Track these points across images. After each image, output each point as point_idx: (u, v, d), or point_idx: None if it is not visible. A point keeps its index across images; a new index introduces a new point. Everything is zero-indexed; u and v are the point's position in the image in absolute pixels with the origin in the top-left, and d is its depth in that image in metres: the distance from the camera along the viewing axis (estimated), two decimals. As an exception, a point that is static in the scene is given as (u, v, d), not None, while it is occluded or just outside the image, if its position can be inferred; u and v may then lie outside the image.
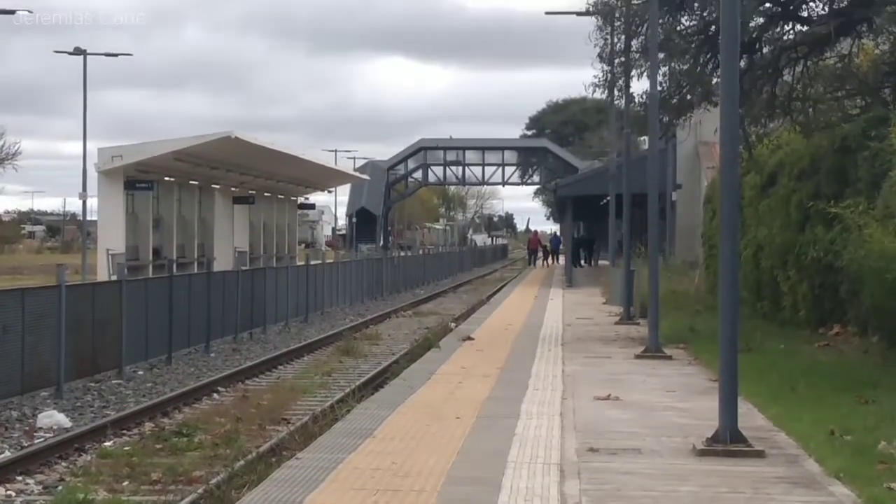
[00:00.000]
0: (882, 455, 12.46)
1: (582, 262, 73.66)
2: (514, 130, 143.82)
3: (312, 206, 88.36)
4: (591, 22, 31.56)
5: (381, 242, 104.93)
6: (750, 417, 14.69)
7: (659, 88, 25.36)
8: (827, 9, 26.64)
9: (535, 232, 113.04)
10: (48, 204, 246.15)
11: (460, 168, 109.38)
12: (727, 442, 12.70)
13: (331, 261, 48.50)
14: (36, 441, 17.33)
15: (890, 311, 20.04)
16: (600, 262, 71.77)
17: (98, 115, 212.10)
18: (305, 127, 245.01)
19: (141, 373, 25.14)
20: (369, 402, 17.12)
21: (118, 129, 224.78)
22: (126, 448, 16.81)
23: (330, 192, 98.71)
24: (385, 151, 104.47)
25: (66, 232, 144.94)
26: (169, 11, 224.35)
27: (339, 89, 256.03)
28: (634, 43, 29.17)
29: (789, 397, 16.69)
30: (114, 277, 29.57)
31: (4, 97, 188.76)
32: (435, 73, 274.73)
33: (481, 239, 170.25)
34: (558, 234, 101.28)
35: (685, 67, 27.74)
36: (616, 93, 36.78)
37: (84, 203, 65.87)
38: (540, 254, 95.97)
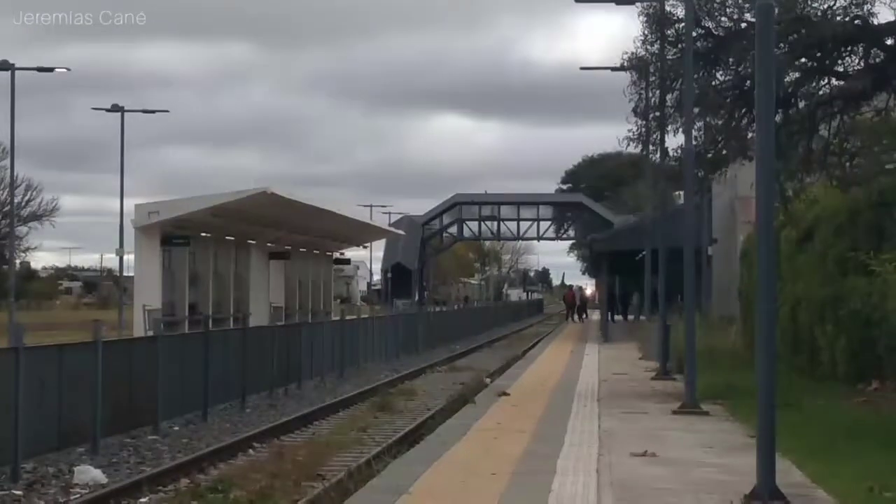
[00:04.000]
0: (922, 512, 12.33)
1: (615, 316, 73.53)
2: (554, 185, 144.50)
3: (348, 262, 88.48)
4: (626, 77, 31.61)
5: (417, 297, 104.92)
6: (788, 474, 14.57)
7: (694, 143, 25.34)
8: (862, 63, 26.62)
9: (571, 287, 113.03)
10: (86, 260, 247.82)
11: (495, 223, 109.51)
12: (765, 499, 12.58)
13: (366, 316, 48.50)
14: (72, 497, 17.35)
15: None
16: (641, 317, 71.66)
17: (150, 172, 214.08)
18: (357, 183, 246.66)
19: (177, 428, 25.14)
20: (405, 458, 17.06)
21: (169, 185, 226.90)
22: (162, 504, 16.80)
23: (365, 247, 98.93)
24: (430, 206, 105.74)
25: (103, 288, 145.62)
26: (236, 71, 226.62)
27: (392, 146, 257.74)
28: (669, 97, 29.21)
29: (828, 454, 16.55)
30: (150, 333, 29.63)
31: (53, 154, 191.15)
32: (489, 129, 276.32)
33: (516, 294, 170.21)
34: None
35: (720, 122, 27.74)
36: (651, 147, 36.84)
37: (121, 259, 66.30)
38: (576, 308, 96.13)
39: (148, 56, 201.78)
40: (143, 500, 17.22)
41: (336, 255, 75.78)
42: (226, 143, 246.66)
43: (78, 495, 17.43)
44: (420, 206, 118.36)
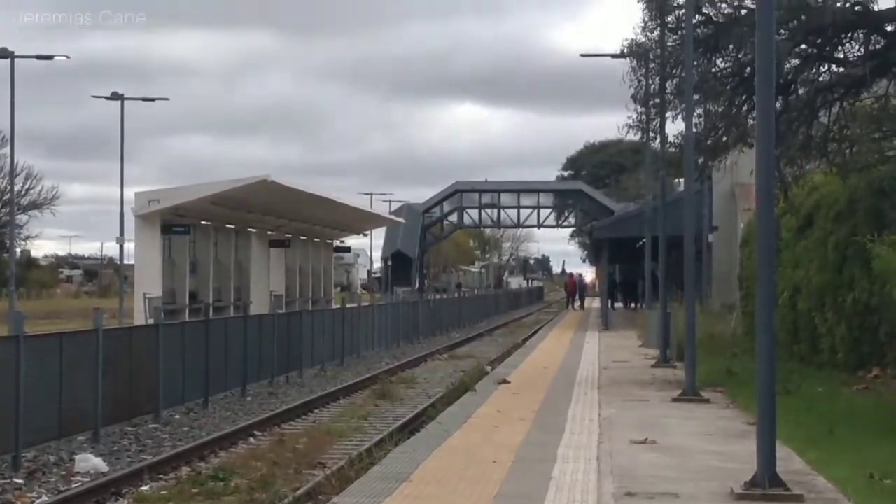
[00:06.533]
0: (922, 499, 12.34)
1: (615, 305, 73.64)
2: (555, 172, 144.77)
3: (348, 250, 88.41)
4: (627, 64, 31.58)
5: (417, 285, 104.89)
6: (788, 461, 14.59)
7: (694, 129, 25.32)
8: (863, 50, 26.57)
9: (571, 275, 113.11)
10: (87, 248, 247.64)
11: (496, 211, 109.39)
12: (765, 486, 12.61)
13: (366, 304, 48.52)
14: (73, 486, 17.37)
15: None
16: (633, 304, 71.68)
17: (161, 161, 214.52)
18: (366, 172, 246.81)
19: (177, 416, 25.17)
20: (405, 446, 17.08)
21: (180, 174, 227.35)
22: (163, 492, 16.82)
23: (365, 234, 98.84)
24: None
25: (104, 276, 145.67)
26: (254, 60, 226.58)
27: (405, 135, 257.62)
28: (669, 84, 29.19)
29: (828, 441, 16.58)
30: (151, 321, 29.62)
31: (63, 144, 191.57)
32: (502, 117, 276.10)
33: (517, 281, 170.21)
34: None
35: (720, 109, 27.71)
36: (651, 134, 36.81)
37: (121, 247, 66.29)
38: (577, 296, 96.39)
39: (167, 46, 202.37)
40: (144, 488, 17.24)
41: (336, 242, 75.73)
42: (240, 132, 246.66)
43: (79, 483, 17.46)
44: (425, 195, 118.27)
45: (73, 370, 20.76)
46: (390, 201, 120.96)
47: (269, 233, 58.54)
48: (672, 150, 31.43)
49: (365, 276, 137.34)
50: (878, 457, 15.03)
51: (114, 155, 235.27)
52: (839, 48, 27.20)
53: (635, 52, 30.51)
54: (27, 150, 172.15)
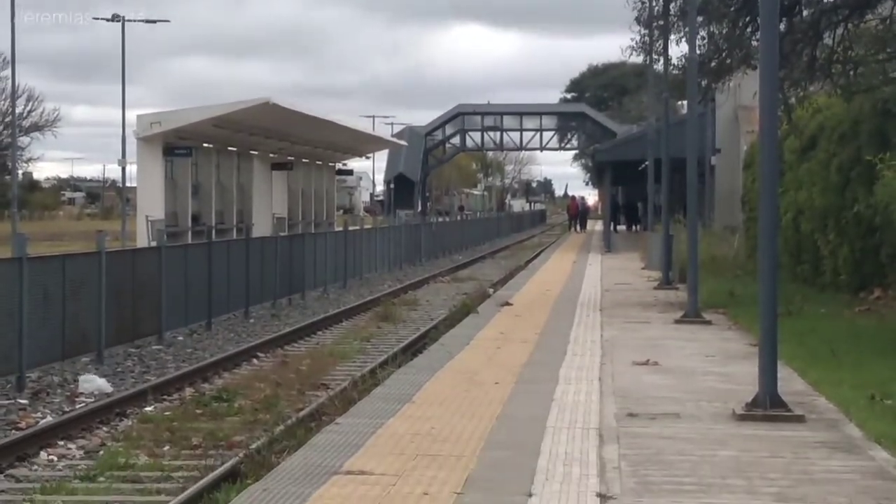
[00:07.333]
0: (923, 419, 12.39)
1: (617, 228, 73.58)
2: (558, 94, 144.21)
3: (350, 172, 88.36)
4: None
5: (419, 208, 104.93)
6: (790, 382, 14.64)
7: (698, 52, 25.20)
8: (868, -30, 26.38)
9: (574, 197, 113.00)
10: (88, 170, 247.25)
11: (498, 133, 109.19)
12: (767, 406, 12.66)
13: (369, 227, 48.54)
14: (77, 406, 17.45)
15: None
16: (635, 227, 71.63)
17: (167, 83, 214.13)
18: (371, 94, 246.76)
19: (181, 338, 25.24)
20: (408, 368, 17.14)
21: (185, 96, 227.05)
22: (166, 413, 16.90)
23: (368, 157, 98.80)
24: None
25: (106, 198, 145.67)
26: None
27: (410, 57, 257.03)
28: (672, 6, 29.05)
29: (829, 362, 16.62)
30: (153, 244, 29.67)
31: (64, 66, 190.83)
32: (507, 39, 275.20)
33: (519, 204, 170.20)
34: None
35: (724, 31, 27.56)
36: (654, 56, 36.66)
37: (123, 170, 66.24)
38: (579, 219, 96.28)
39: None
40: (148, 408, 17.32)
41: (339, 165, 75.64)
42: (243, 54, 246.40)
43: (83, 404, 17.53)
44: (428, 118, 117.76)
45: (76, 292, 20.81)
46: (392, 124, 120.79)
47: (271, 155, 58.43)
48: (675, 72, 31.33)
49: (367, 198, 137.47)
50: (880, 377, 15.07)
51: (116, 77, 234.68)
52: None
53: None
54: (29, 72, 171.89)
